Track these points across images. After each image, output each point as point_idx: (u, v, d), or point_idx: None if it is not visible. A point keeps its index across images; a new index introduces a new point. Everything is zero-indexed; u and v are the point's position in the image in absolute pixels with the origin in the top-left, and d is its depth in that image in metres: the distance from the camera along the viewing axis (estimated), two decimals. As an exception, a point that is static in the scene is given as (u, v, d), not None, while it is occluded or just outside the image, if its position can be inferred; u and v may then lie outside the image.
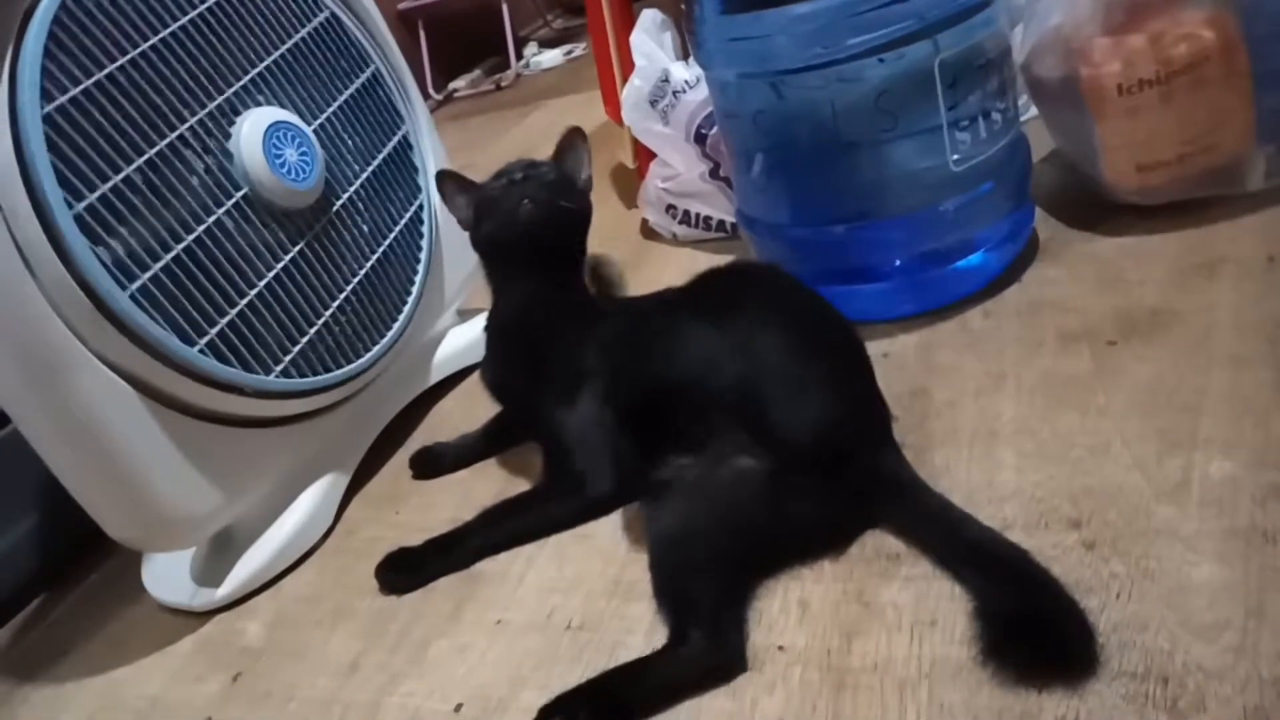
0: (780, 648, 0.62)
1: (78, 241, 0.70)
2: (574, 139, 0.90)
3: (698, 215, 1.22)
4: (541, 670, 0.66)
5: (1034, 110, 1.06)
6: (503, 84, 2.77)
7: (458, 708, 0.66)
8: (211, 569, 0.87)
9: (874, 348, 0.89)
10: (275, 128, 0.84)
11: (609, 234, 1.40)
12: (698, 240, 1.25)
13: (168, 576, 0.89)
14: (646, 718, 0.59)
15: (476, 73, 2.92)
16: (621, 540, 0.76)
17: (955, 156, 0.85)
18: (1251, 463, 0.63)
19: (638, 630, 0.67)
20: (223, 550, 0.88)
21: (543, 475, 0.84)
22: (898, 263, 0.94)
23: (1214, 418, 0.68)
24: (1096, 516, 0.63)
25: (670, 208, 1.25)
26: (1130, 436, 0.69)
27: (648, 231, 1.34)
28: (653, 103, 1.16)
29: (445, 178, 0.91)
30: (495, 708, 0.64)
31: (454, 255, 1.09)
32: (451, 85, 2.88)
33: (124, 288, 0.73)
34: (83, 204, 0.71)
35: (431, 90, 2.83)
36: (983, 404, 0.78)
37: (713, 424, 0.69)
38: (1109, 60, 0.85)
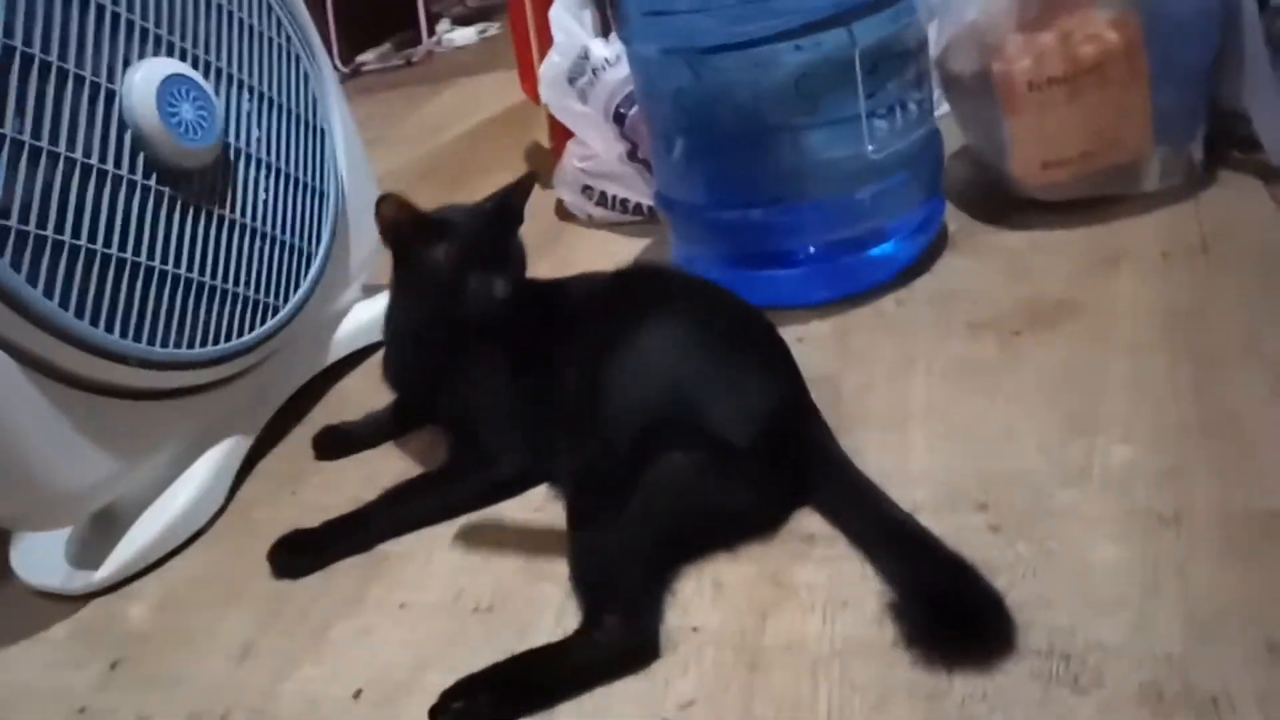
0: (694, 629, 0.61)
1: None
2: (531, 183, 0.81)
3: (614, 197, 1.21)
4: (447, 653, 0.64)
5: (945, 107, 1.08)
6: (414, 60, 2.69)
7: (357, 693, 0.63)
8: (90, 549, 0.81)
9: (788, 332, 0.89)
10: (171, 81, 0.79)
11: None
12: (613, 223, 1.24)
13: (39, 558, 0.82)
14: (555, 703, 0.58)
15: (386, 47, 2.84)
16: (531, 521, 0.74)
17: (872, 145, 0.87)
18: (1149, 447, 0.66)
19: (547, 612, 0.65)
20: (103, 529, 0.82)
21: (448, 455, 0.81)
22: (812, 249, 0.95)
23: (1114, 404, 0.70)
24: (1002, 499, 0.65)
25: (586, 188, 1.23)
26: (1035, 422, 0.71)
27: (562, 212, 1.31)
28: (571, 80, 1.14)
29: (391, 205, 0.76)
30: (397, 692, 0.62)
31: (360, 228, 1.05)
32: (359, 58, 2.79)
33: (3, 253, 0.67)
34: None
35: (338, 63, 2.73)
36: (894, 388, 0.79)
37: (634, 422, 0.67)
38: (1021, 56, 0.88)
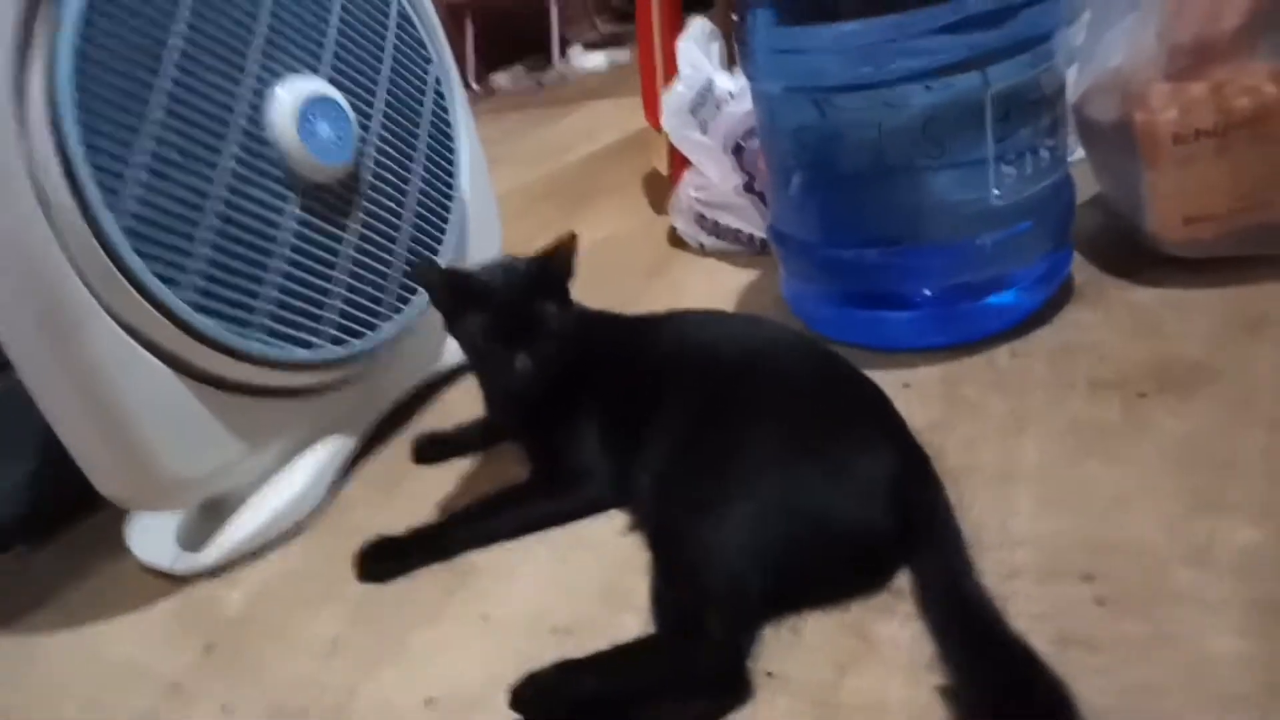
0: (769, 674, 0.59)
1: (98, 200, 0.69)
2: (573, 245, 0.79)
3: (727, 227, 1.20)
4: (521, 671, 0.63)
5: (1080, 152, 1.03)
6: (544, 83, 2.77)
7: (429, 701, 0.64)
8: (197, 534, 0.85)
9: (895, 376, 0.87)
10: (313, 101, 0.83)
11: (636, 239, 1.38)
12: (724, 252, 1.23)
13: (152, 537, 0.87)
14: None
15: (518, 68, 2.93)
16: (619, 546, 0.74)
17: (997, 191, 0.83)
18: (1276, 523, 0.60)
19: (627, 638, 0.64)
20: (211, 516, 0.86)
21: (531, 471, 0.81)
22: (928, 293, 0.91)
23: (1246, 482, 0.65)
24: (1112, 572, 0.60)
25: (700, 217, 1.23)
26: (1155, 493, 0.66)
27: (674, 239, 1.32)
28: (693, 110, 1.14)
29: (428, 273, 0.77)
30: (468, 705, 0.62)
31: (477, 246, 1.08)
32: (493, 78, 2.88)
33: (142, 252, 0.72)
34: (107, 164, 0.70)
35: (472, 82, 2.84)
36: (1004, 444, 0.75)
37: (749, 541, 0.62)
38: (1166, 106, 0.83)
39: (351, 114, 0.87)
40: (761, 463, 0.64)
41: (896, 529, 0.62)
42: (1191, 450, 0.69)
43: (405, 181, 0.96)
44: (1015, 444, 0.75)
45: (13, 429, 0.89)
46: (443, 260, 1.00)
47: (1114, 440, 0.72)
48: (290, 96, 0.81)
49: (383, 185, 0.93)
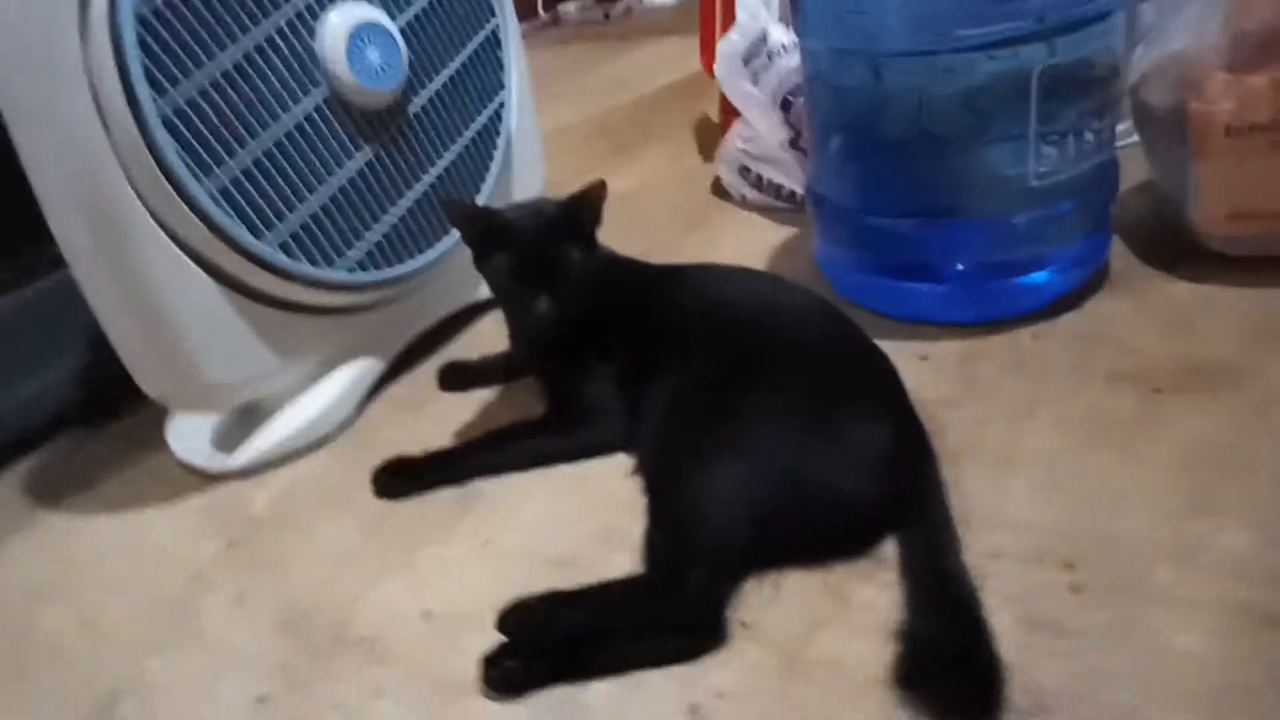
0: (744, 624, 0.62)
1: (151, 111, 0.72)
2: (601, 193, 0.79)
3: (770, 182, 1.20)
4: (514, 595, 0.67)
5: (1136, 136, 1.01)
6: (610, 15, 2.74)
7: (426, 614, 0.68)
8: (231, 437, 0.90)
9: (915, 348, 0.88)
10: (361, 27, 0.84)
11: (680, 186, 1.39)
12: (765, 207, 1.23)
13: (190, 436, 0.92)
14: (602, 668, 0.60)
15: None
16: (621, 488, 0.76)
17: (1038, 170, 0.82)
18: (1271, 542, 0.60)
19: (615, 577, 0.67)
20: (245, 421, 0.91)
21: (546, 407, 0.84)
22: (960, 267, 0.91)
23: (1248, 488, 0.65)
24: (1093, 562, 0.61)
25: (745, 169, 1.23)
26: (1153, 489, 0.66)
27: (718, 189, 1.32)
28: (746, 60, 1.14)
29: (456, 211, 0.80)
30: (461, 622, 0.66)
31: (520, 179, 1.09)
32: (561, 7, 2.85)
33: (196, 174, 0.75)
34: (161, 76, 0.72)
35: (540, 9, 2.82)
36: (1011, 427, 0.76)
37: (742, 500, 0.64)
38: (1223, 97, 0.80)
39: (401, 42, 0.89)
40: (759, 422, 0.65)
41: (884, 499, 0.64)
42: (1199, 451, 0.69)
43: (451, 114, 0.98)
44: (1022, 428, 0.75)
45: (69, 320, 0.94)
46: (485, 194, 1.02)
47: (1121, 433, 0.72)
48: (341, 20, 0.83)
49: (429, 116, 0.95)
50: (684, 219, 1.27)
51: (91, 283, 0.78)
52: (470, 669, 0.61)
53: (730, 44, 1.14)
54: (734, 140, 1.23)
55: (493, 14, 1.03)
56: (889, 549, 0.65)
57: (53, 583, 0.80)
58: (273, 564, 0.77)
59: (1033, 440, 0.74)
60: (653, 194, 1.39)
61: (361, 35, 0.84)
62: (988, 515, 0.67)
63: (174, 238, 0.77)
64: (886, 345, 0.87)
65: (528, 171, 1.11)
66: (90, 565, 0.81)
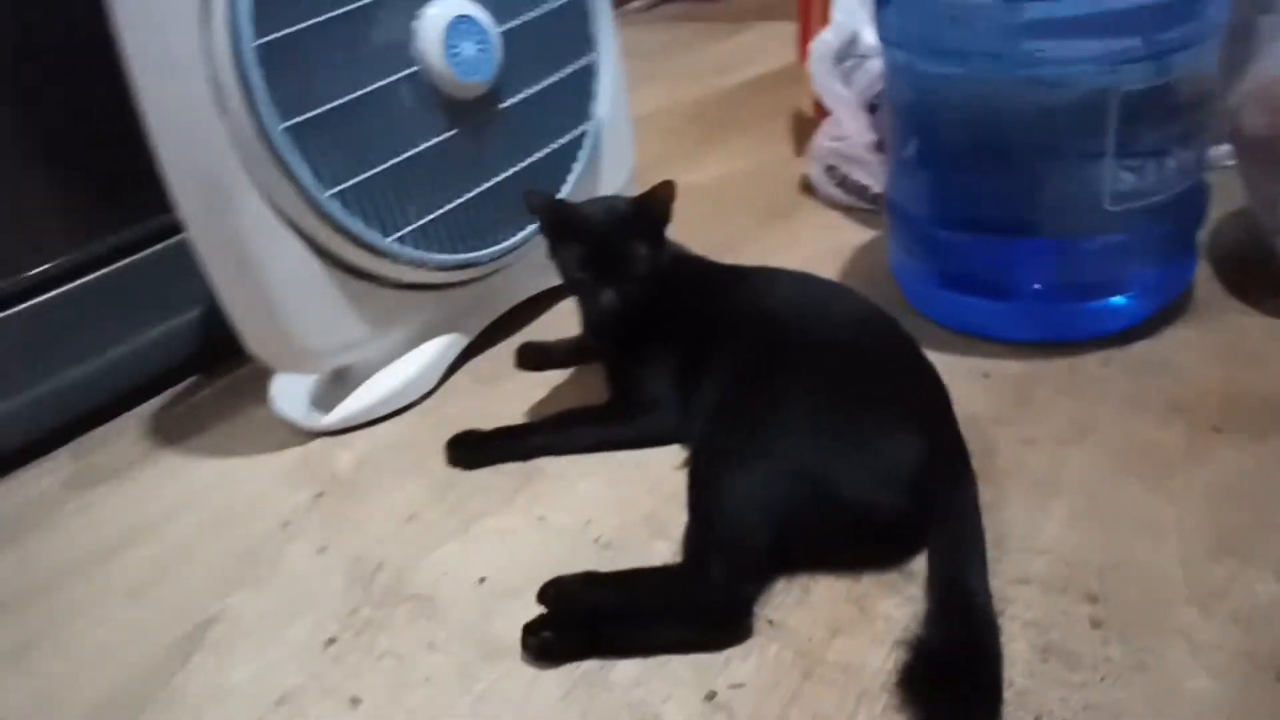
0: (770, 621, 0.65)
1: (262, 92, 0.79)
2: (669, 193, 0.83)
3: (856, 183, 1.21)
4: (560, 570, 0.72)
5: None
6: (727, -9, 2.72)
7: (482, 580, 0.74)
8: (327, 398, 0.98)
9: (977, 364, 0.89)
10: (461, 21, 0.89)
11: (767, 178, 1.40)
12: (849, 207, 1.24)
13: (290, 394, 1.00)
14: (632, 646, 0.64)
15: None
16: (671, 478, 0.80)
17: (1114, 191, 0.81)
18: (1301, 594, 0.60)
19: (655, 563, 0.71)
20: (339, 384, 0.98)
21: (609, 395, 0.89)
22: (1035, 286, 0.90)
23: (1281, 534, 0.65)
24: (1118, 597, 0.63)
25: (831, 169, 1.24)
26: (1190, 528, 0.67)
27: (805, 185, 1.33)
28: (838, 60, 1.14)
29: (535, 202, 0.84)
30: (510, 591, 0.71)
31: (610, 166, 1.13)
32: (679, -18, 2.86)
33: (293, 142, 0.81)
34: (273, 59, 0.79)
35: (656, -16, 2.83)
36: (1057, 452, 0.76)
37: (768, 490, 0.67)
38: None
39: (495, 35, 0.93)
40: (793, 427, 0.68)
41: (913, 514, 0.66)
42: (1242, 493, 0.69)
43: (542, 104, 1.02)
44: (1068, 453, 0.76)
45: (191, 277, 1.04)
46: (570, 183, 1.07)
47: (1167, 468, 0.73)
48: (439, 14, 0.88)
49: (520, 105, 1.00)
50: (765, 212, 1.29)
51: (203, 248, 0.86)
52: (512, 635, 0.66)
53: (823, 43, 1.15)
54: (823, 138, 1.23)
55: (592, 46, 1.06)
56: (919, 563, 0.67)
57: (159, 515, 0.90)
58: (351, 518, 0.84)
59: (1077, 467, 0.74)
60: (739, 183, 1.41)
61: (458, 29, 0.89)
62: (1022, 539, 0.68)
63: (274, 207, 0.84)
64: (950, 359, 0.89)
65: (616, 161, 1.15)
66: (186, 504, 0.91)
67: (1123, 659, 0.58)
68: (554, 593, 0.67)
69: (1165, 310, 0.90)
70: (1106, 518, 0.69)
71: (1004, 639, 0.60)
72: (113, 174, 0.98)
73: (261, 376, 1.03)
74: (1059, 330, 0.90)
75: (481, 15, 0.92)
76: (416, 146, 0.91)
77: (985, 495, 0.72)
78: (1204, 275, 0.95)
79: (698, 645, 0.64)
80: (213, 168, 0.81)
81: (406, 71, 0.88)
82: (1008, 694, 0.56)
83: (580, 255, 0.81)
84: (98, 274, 1.02)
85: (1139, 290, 0.89)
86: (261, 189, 0.83)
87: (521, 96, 0.99)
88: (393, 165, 0.89)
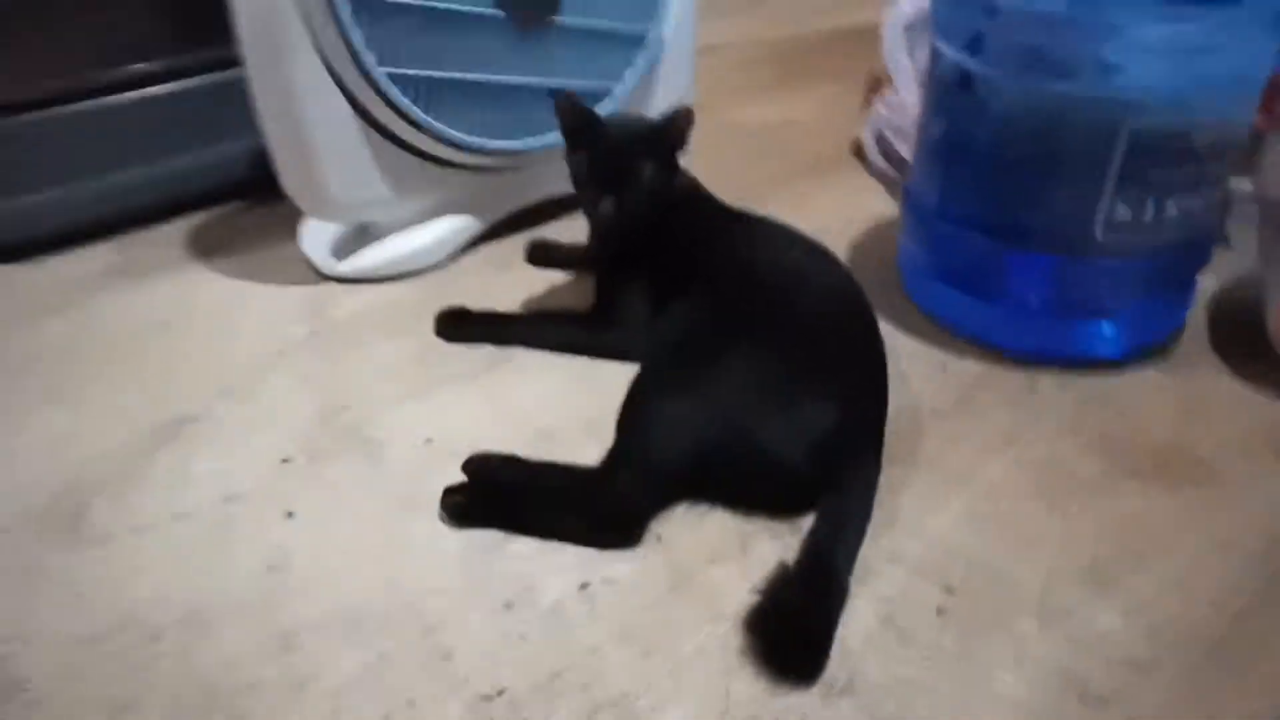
0: (659, 537, 0.72)
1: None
2: (688, 119, 0.86)
3: (898, 155, 1.21)
4: (498, 448, 0.78)
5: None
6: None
7: (428, 440, 0.82)
8: (345, 248, 1.06)
9: (939, 356, 0.92)
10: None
11: (823, 133, 1.41)
12: (888, 179, 1.25)
13: (315, 237, 1.09)
14: (531, 526, 0.72)
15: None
16: (620, 393, 0.85)
17: (1108, 221, 0.81)
18: (1139, 633, 0.64)
19: (585, 461, 0.76)
20: (358, 239, 1.06)
21: (591, 306, 0.94)
22: (1027, 295, 0.91)
23: (1148, 580, 0.68)
24: (972, 596, 0.67)
25: (881, 136, 1.24)
26: (1065, 551, 0.70)
27: (857, 146, 1.34)
28: (908, 30, 1.13)
29: (562, 103, 0.87)
30: (448, 455, 0.78)
31: (666, 87, 1.16)
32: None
33: (353, 10, 0.87)
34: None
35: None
36: (976, 456, 0.80)
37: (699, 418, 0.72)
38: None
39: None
40: (728, 372, 0.73)
41: (809, 476, 0.71)
42: (1129, 534, 0.72)
43: (598, 16, 1.05)
44: (986, 459, 0.79)
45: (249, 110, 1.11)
46: (617, 97, 1.10)
47: (1071, 494, 0.76)
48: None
49: (578, 14, 1.03)
50: (808, 165, 1.30)
51: (257, 88, 0.92)
52: (436, 493, 0.74)
53: (897, 12, 1.14)
54: (880, 105, 1.24)
55: None
56: (809, 521, 0.72)
57: (175, 315, 1.00)
58: (336, 360, 0.93)
59: (988, 472, 0.78)
60: (794, 131, 1.42)
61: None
62: (910, 523, 0.73)
63: (327, 66, 0.90)
64: (916, 346, 0.92)
65: (671, 84, 1.17)
66: (206, 312, 1.00)
67: (951, 647, 0.63)
68: (477, 465, 0.75)
69: (1147, 349, 0.91)
70: (995, 523, 0.73)
71: (855, 607, 0.65)
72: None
73: (295, 216, 1.11)
74: (1038, 344, 0.91)
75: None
76: (470, 41, 0.95)
77: (895, 476, 0.76)
78: (1199, 321, 0.95)
79: (588, 540, 0.71)
80: (277, 17, 0.87)
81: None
82: (836, 652, 0.62)
83: (590, 162, 0.86)
84: (171, 86, 1.11)
85: (1124, 322, 0.90)
86: (318, 46, 0.89)
87: (580, 6, 1.03)
88: (445, 54, 0.94)
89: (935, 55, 0.91)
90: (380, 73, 0.91)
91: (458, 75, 0.96)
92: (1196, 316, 0.97)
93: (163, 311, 1.01)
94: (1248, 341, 0.91)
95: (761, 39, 1.83)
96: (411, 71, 0.93)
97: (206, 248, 1.13)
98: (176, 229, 1.17)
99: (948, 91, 0.90)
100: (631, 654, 0.63)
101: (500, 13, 0.96)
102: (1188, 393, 0.87)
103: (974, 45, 0.84)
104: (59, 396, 0.88)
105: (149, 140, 1.11)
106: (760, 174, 1.26)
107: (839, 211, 1.17)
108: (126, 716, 0.59)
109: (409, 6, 0.90)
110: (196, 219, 1.19)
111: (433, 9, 0.91)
